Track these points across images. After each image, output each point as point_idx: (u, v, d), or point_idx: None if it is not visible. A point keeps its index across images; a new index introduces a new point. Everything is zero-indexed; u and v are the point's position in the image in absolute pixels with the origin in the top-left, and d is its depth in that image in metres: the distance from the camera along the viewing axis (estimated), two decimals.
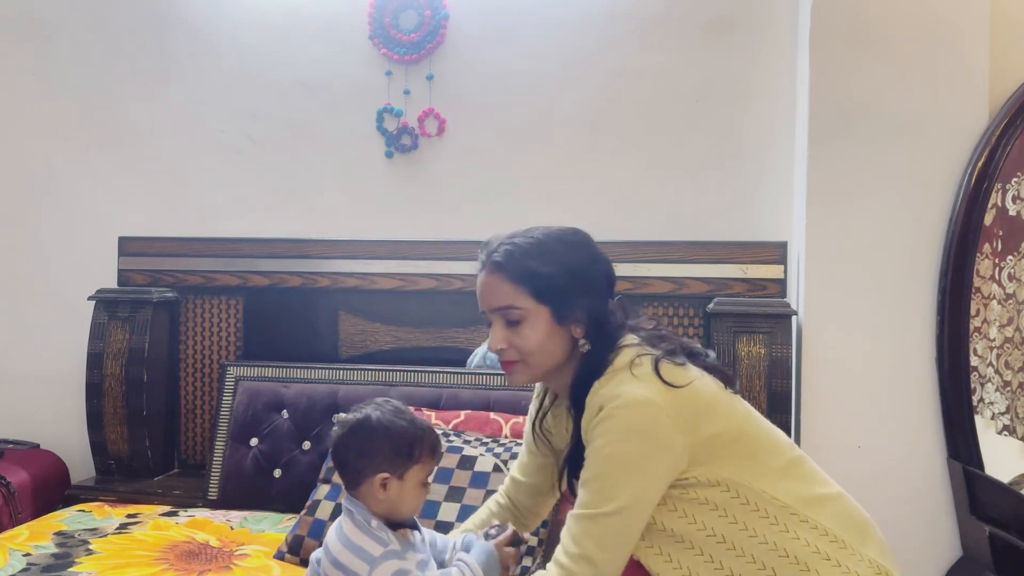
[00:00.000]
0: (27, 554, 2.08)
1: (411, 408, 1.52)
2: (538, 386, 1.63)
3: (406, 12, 2.77)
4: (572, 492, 1.48)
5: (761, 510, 1.36)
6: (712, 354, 1.51)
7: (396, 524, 1.46)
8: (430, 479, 1.49)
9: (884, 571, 1.38)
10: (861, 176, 2.34)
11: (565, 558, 1.34)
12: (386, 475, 1.42)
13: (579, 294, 1.44)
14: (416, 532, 1.49)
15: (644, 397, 1.34)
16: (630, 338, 1.45)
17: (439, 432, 1.78)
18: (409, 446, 1.43)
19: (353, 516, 1.44)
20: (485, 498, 2.05)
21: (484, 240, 1.50)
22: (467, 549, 1.50)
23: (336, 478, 2.15)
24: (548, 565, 1.36)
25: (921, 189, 2.32)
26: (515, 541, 1.51)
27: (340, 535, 1.44)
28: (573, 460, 1.45)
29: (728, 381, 1.47)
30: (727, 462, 1.37)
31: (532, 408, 1.65)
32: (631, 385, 1.36)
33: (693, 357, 1.45)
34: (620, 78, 2.70)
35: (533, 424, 1.62)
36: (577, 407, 1.43)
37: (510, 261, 1.44)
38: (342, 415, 1.50)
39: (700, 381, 1.40)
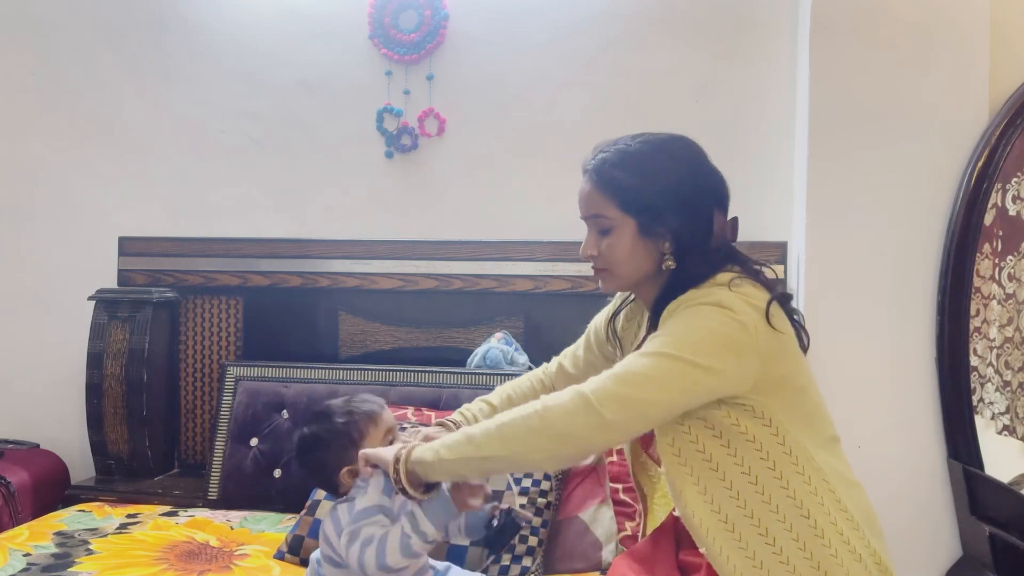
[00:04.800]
0: (27, 554, 2.09)
1: (381, 400, 1.60)
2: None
3: (406, 12, 2.76)
4: None
5: (799, 465, 1.36)
6: (802, 315, 1.49)
7: None
8: (392, 433, 1.56)
9: (885, 566, 1.38)
10: (861, 176, 2.34)
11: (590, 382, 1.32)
12: (347, 467, 1.52)
13: (670, 209, 1.41)
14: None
15: (740, 308, 1.32)
16: (735, 269, 1.43)
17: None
18: (347, 436, 1.52)
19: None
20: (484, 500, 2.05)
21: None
22: None
23: None
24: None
25: (921, 189, 2.32)
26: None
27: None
28: None
29: (804, 348, 1.46)
30: (785, 405, 1.37)
31: (610, 306, 1.64)
32: (730, 295, 1.35)
33: (788, 314, 1.44)
34: (620, 78, 2.69)
35: (608, 318, 1.61)
36: (657, 321, 1.40)
37: (600, 170, 1.44)
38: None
39: (793, 336, 1.40)
